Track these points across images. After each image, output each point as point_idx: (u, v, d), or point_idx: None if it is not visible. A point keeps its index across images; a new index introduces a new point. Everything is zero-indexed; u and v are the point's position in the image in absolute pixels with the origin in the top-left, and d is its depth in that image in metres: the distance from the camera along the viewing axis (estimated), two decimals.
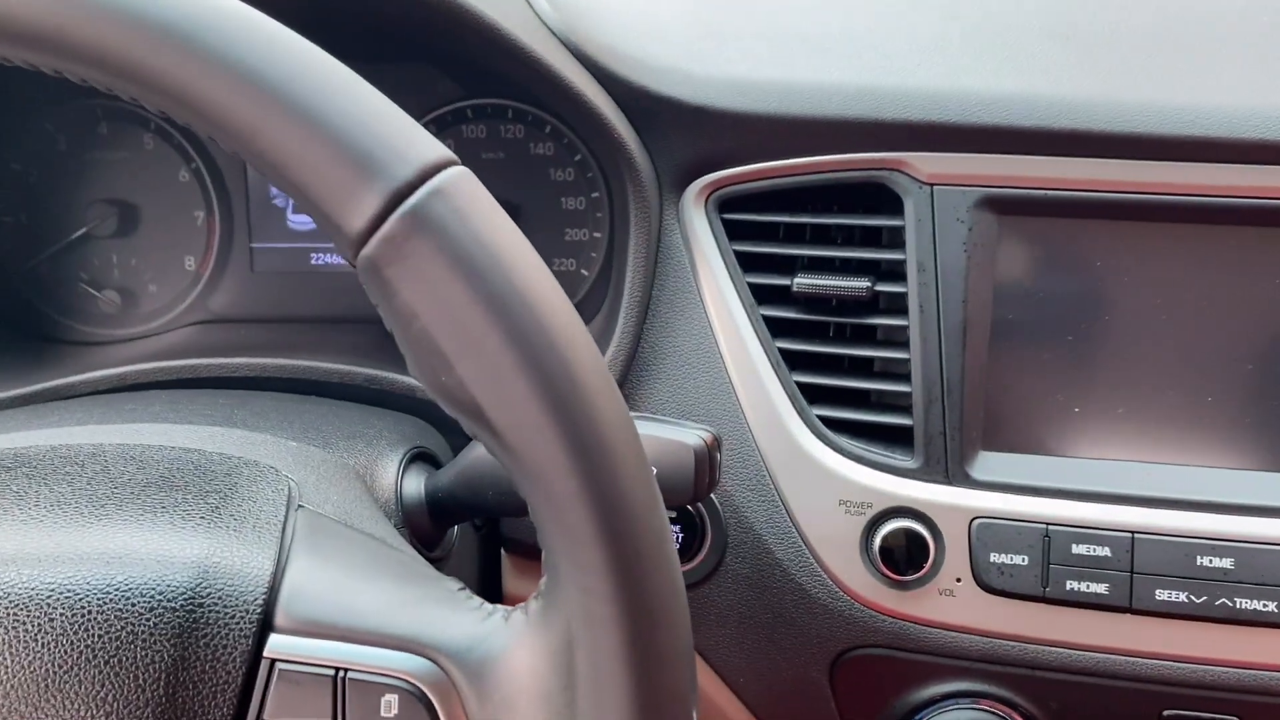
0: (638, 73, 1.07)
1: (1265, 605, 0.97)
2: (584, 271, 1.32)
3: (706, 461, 0.80)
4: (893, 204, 1.07)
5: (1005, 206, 1.04)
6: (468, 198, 0.60)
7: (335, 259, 1.38)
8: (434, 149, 0.60)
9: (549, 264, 1.35)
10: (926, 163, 1.04)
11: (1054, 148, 1.02)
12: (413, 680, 0.65)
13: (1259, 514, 0.99)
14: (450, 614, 0.68)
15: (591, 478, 0.58)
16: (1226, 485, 1.01)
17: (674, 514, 1.09)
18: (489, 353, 0.58)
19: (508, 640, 0.65)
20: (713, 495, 1.08)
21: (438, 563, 0.97)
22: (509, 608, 0.68)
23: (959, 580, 1.03)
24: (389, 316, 0.61)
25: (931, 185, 1.04)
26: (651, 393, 1.11)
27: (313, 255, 1.39)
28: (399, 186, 0.58)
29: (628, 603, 0.60)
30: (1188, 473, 1.02)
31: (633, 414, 0.89)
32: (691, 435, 0.80)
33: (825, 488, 1.06)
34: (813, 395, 1.09)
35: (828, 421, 1.08)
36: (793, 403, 1.08)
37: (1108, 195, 1.02)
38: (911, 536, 1.02)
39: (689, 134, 1.08)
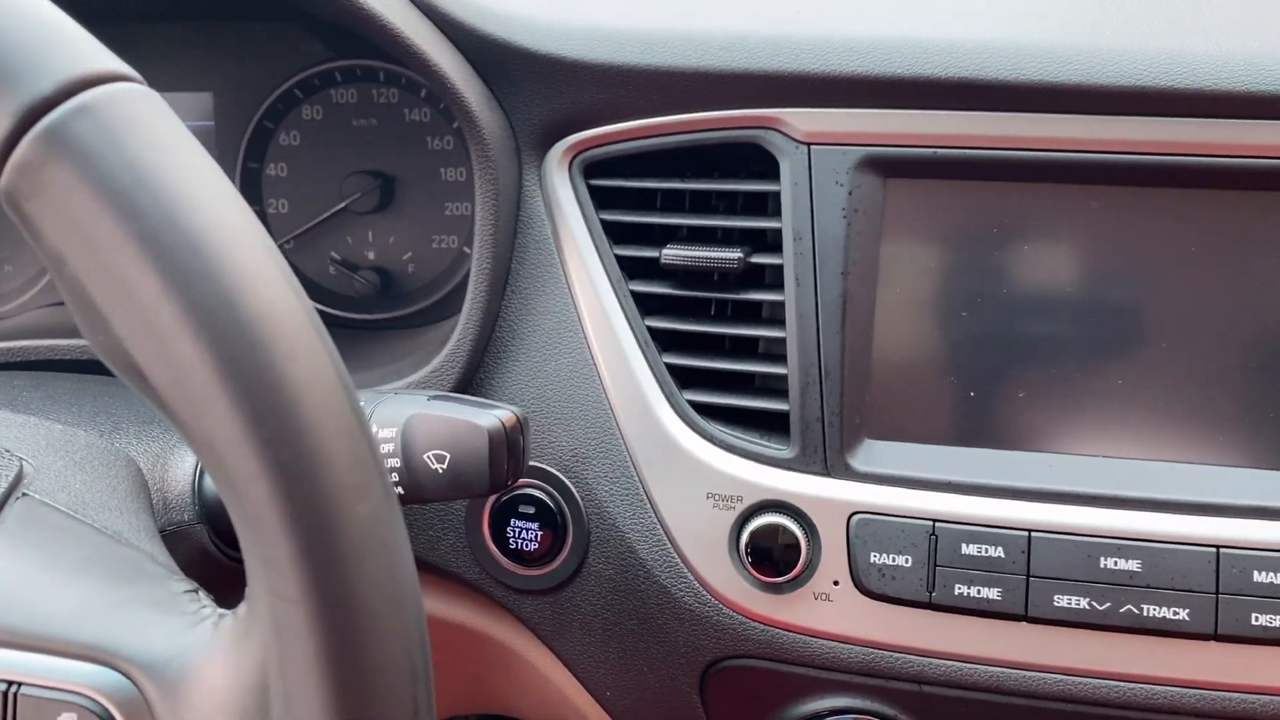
0: (485, 20, 0.97)
1: (1175, 613, 0.86)
2: (466, 249, 1.22)
3: (503, 445, 0.70)
4: (770, 166, 0.96)
5: (890, 168, 0.93)
6: (127, 117, 0.49)
7: None
8: (88, 59, 0.50)
9: (428, 241, 1.26)
10: (803, 120, 0.94)
11: (943, 101, 0.91)
12: (96, 696, 0.55)
13: (1168, 509, 0.88)
14: (156, 619, 0.58)
15: (273, 454, 0.48)
16: (1134, 478, 0.90)
17: (532, 509, 0.99)
18: (145, 304, 0.48)
19: (212, 650, 0.55)
20: (575, 490, 0.98)
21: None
22: (228, 611, 0.58)
23: (836, 583, 0.92)
24: (45, 262, 0.51)
25: (809, 145, 0.94)
26: (509, 378, 1.01)
27: None
28: (33, 102, 0.48)
29: (323, 609, 0.49)
30: (1092, 464, 0.91)
31: (433, 393, 0.79)
32: (487, 416, 0.70)
33: (693, 480, 0.95)
34: (686, 379, 0.99)
35: (701, 408, 0.98)
36: (662, 387, 0.97)
37: (1005, 153, 0.91)
38: (782, 533, 0.91)
39: (545, 89, 0.98)
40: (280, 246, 1.25)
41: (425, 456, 0.70)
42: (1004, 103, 0.90)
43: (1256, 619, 0.85)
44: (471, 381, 1.01)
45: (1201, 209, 0.89)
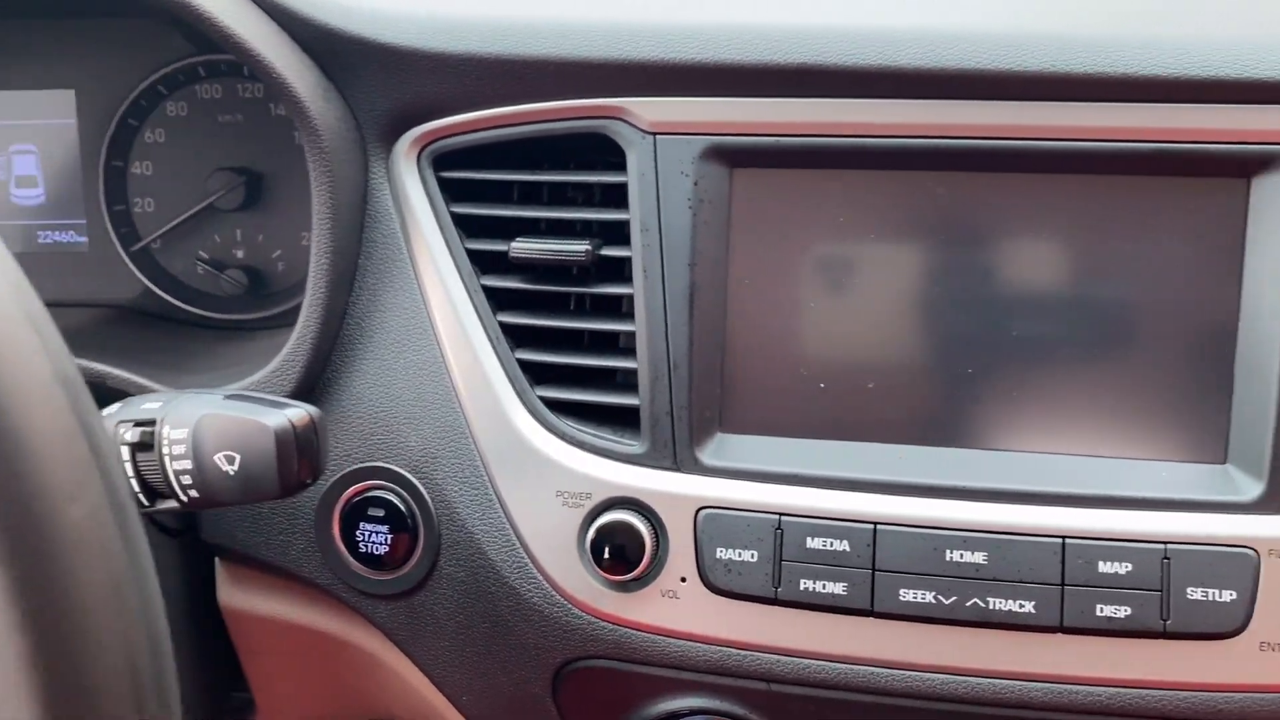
0: (320, 10, 0.94)
1: (1021, 606, 0.85)
2: None
3: (291, 446, 0.67)
4: (618, 157, 0.94)
5: (735, 157, 0.91)
6: None
7: (66, 236, 1.26)
8: None
9: (298, 239, 1.23)
10: (648, 109, 0.92)
11: (786, 88, 0.90)
12: None
13: (1014, 500, 0.87)
14: None
15: None
16: (980, 469, 0.88)
17: (381, 512, 0.97)
18: None
19: None
20: (425, 492, 0.96)
21: None
22: None
23: (684, 580, 0.90)
24: None
25: (654, 135, 0.92)
26: (356, 377, 0.98)
27: (40, 233, 1.26)
28: None
29: (28, 613, 0.47)
30: (939, 455, 0.89)
31: (230, 392, 0.77)
32: (276, 416, 0.68)
33: (543, 478, 0.93)
34: (540, 375, 0.97)
35: (554, 404, 0.95)
36: (513, 384, 0.95)
37: (850, 141, 0.90)
38: (627, 530, 0.89)
39: (386, 79, 0.95)
40: (147, 246, 1.22)
41: (216, 458, 0.68)
42: (846, 89, 0.89)
43: (1101, 610, 0.84)
44: (318, 382, 0.98)
45: (1048, 193, 0.88)
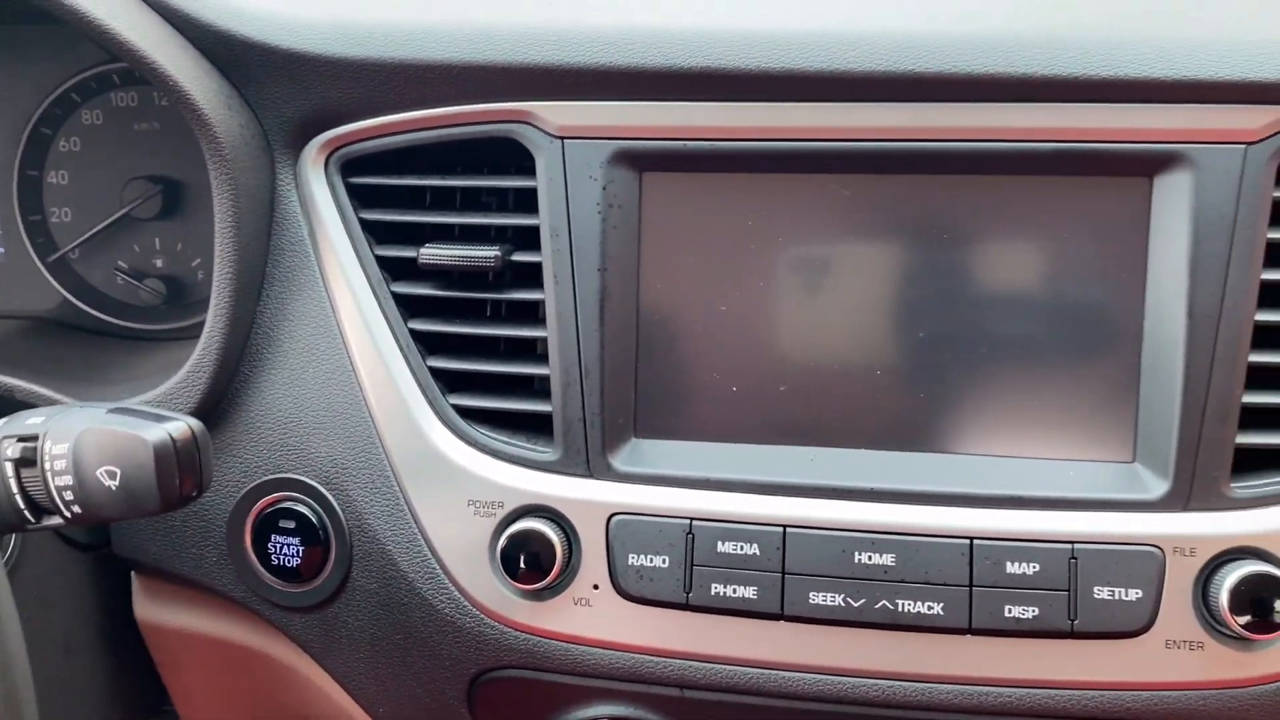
0: (222, 16, 0.93)
1: (930, 607, 0.85)
2: None
3: (171, 460, 0.66)
4: (531, 161, 0.93)
5: (644, 161, 0.91)
6: None
7: None
8: None
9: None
10: (555, 113, 0.91)
11: (693, 91, 0.89)
12: None
13: (922, 501, 0.86)
14: None
15: None
16: (890, 470, 0.88)
17: (293, 524, 0.95)
18: None
19: None
20: (336, 503, 0.94)
21: None
22: None
23: (596, 587, 0.89)
24: None
25: (562, 139, 0.91)
26: (265, 387, 0.97)
27: None
28: None
29: None
30: (850, 457, 0.89)
31: (114, 406, 0.75)
32: (155, 430, 0.66)
33: (454, 487, 0.92)
34: (454, 382, 0.96)
35: (468, 412, 0.94)
36: (424, 392, 0.94)
37: (758, 144, 0.89)
38: (538, 539, 0.88)
39: (291, 86, 0.94)
40: (64, 256, 1.20)
41: (98, 473, 0.66)
42: (751, 92, 0.88)
43: (1009, 611, 0.84)
44: (226, 393, 0.97)
45: (955, 194, 0.88)
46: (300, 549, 0.95)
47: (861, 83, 0.86)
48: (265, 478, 0.96)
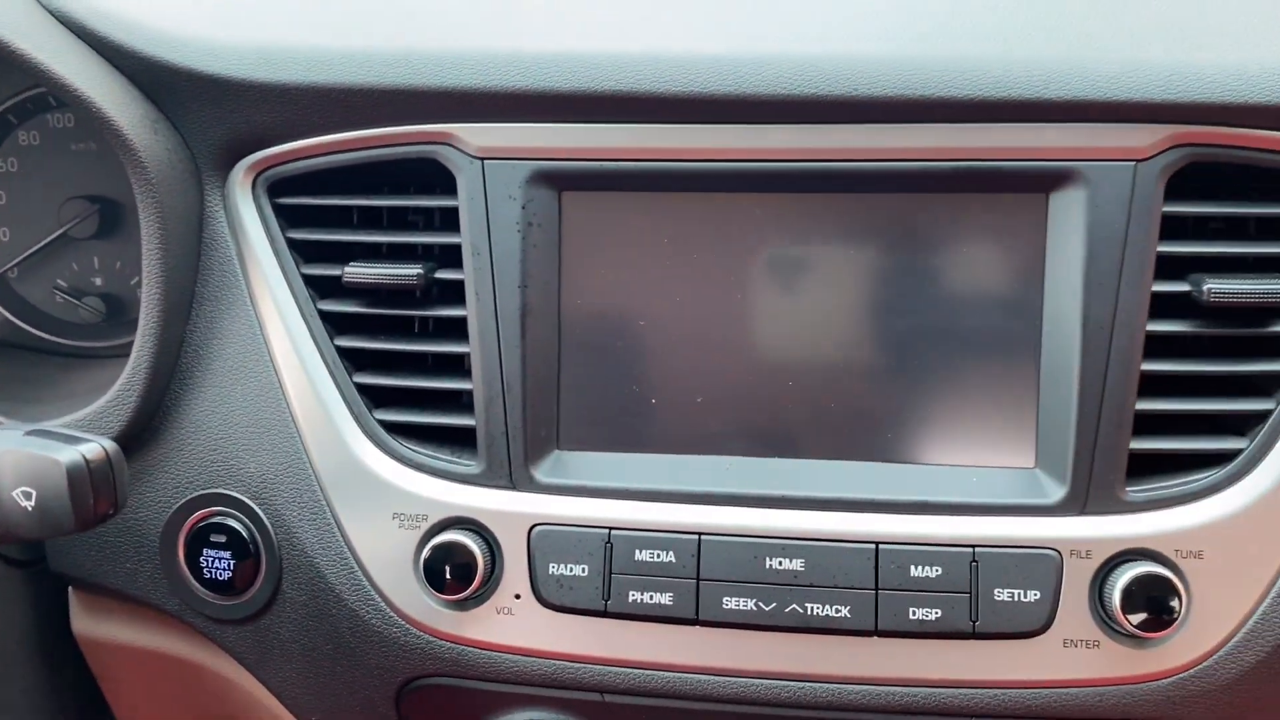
0: (148, 43, 0.95)
1: (837, 610, 0.88)
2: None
3: (85, 481, 0.68)
4: (452, 181, 0.96)
5: (563, 181, 0.94)
6: None
7: None
8: None
9: None
10: (475, 135, 0.94)
11: (610, 114, 0.92)
12: None
13: (831, 508, 0.89)
14: None
15: None
16: (799, 478, 0.91)
17: (224, 538, 0.97)
18: None
19: None
20: (265, 517, 0.96)
21: None
22: None
23: (518, 596, 0.92)
24: None
25: (482, 160, 0.94)
26: (195, 406, 0.99)
27: None
28: None
29: None
30: (763, 465, 0.92)
31: (33, 427, 0.77)
32: (69, 451, 0.68)
33: (379, 501, 0.94)
34: (380, 398, 0.98)
35: (394, 427, 0.97)
36: (350, 409, 0.96)
37: (673, 165, 0.92)
38: (460, 550, 0.91)
39: (216, 109, 0.96)
40: (3, 275, 1.22)
41: (14, 494, 0.68)
42: (668, 114, 0.91)
43: (914, 613, 0.87)
44: (156, 411, 0.98)
45: (860, 211, 0.91)
46: (232, 562, 0.97)
47: (769, 106, 0.89)
48: (197, 493, 0.98)
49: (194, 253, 0.99)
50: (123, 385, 0.95)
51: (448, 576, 0.91)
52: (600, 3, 0.97)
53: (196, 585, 0.98)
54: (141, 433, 0.98)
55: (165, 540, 0.98)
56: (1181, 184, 0.88)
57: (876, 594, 0.87)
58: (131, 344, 1.19)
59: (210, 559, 0.97)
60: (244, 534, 0.97)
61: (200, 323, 0.99)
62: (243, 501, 0.97)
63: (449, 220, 0.98)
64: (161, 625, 1.04)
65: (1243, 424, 0.89)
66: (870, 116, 0.89)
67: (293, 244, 0.99)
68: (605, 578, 0.90)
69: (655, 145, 0.92)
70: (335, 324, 0.98)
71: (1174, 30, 0.90)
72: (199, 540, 0.97)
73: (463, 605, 0.92)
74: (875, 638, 0.88)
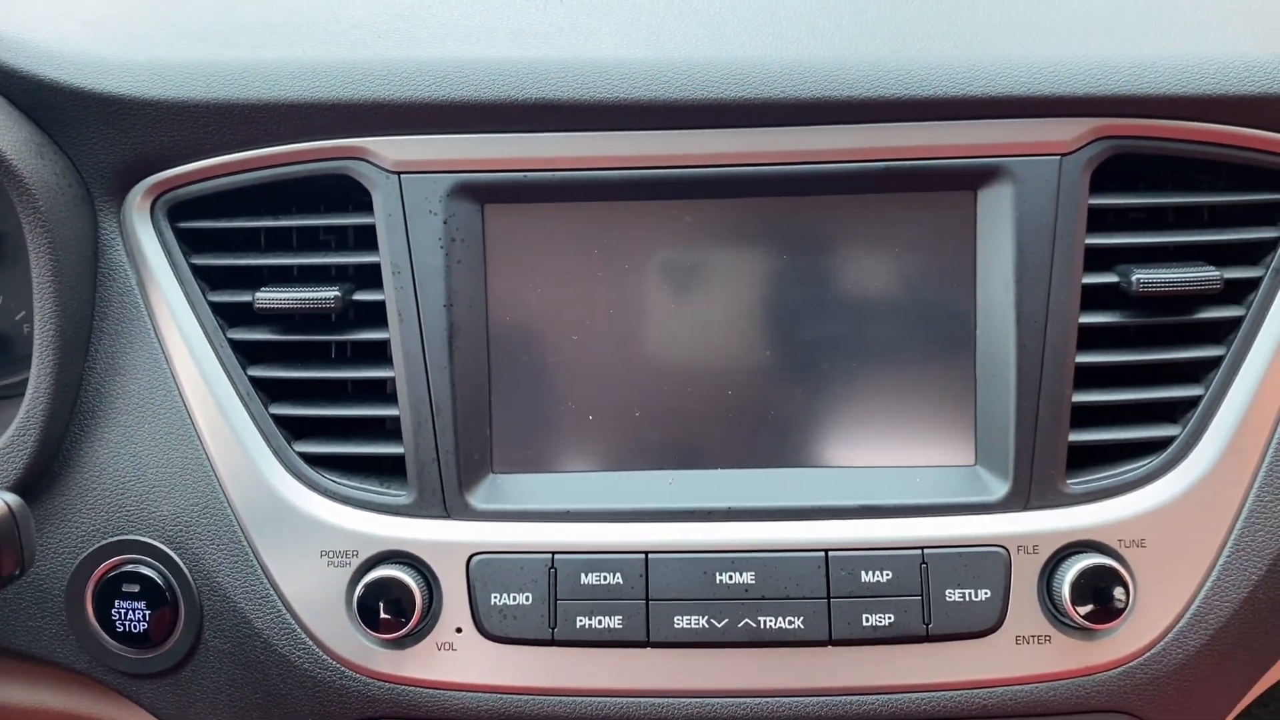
0: (32, 61, 0.88)
1: (790, 622, 0.86)
2: None
3: None
4: (367, 199, 0.91)
5: (486, 193, 0.90)
6: None
7: None
8: None
9: None
10: (390, 148, 0.89)
11: (531, 122, 0.88)
12: None
13: (778, 517, 0.88)
14: None
15: None
16: (745, 489, 0.89)
17: (137, 587, 0.91)
18: None
19: None
20: (182, 563, 0.90)
21: None
22: None
23: (460, 630, 0.88)
24: None
25: (399, 174, 0.89)
26: (99, 448, 0.92)
27: None
28: None
29: None
30: (705, 478, 0.90)
31: None
32: None
33: (305, 538, 0.89)
34: (299, 429, 0.93)
35: (314, 459, 0.92)
36: (268, 442, 0.91)
37: (597, 174, 0.89)
38: (395, 586, 0.86)
39: (109, 130, 0.90)
40: None
41: None
42: (592, 122, 0.88)
43: (867, 619, 0.86)
44: (55, 455, 0.91)
45: (792, 216, 0.90)
46: (147, 613, 0.91)
47: (695, 110, 0.87)
48: (104, 541, 0.91)
49: (89, 284, 0.92)
50: (17, 429, 0.88)
51: (383, 614, 0.86)
52: (517, 10, 0.94)
53: (108, 639, 0.91)
54: (40, 479, 0.91)
55: (71, 593, 0.91)
56: (1103, 177, 0.89)
57: (829, 602, 0.86)
58: (21, 384, 1.11)
59: (123, 610, 0.91)
60: (159, 581, 0.90)
61: (100, 358, 0.93)
62: (156, 547, 0.90)
63: (364, 239, 0.93)
64: (69, 684, 0.97)
65: (1175, 411, 0.90)
66: (798, 119, 0.87)
67: (197, 270, 0.93)
68: (551, 605, 0.87)
69: (580, 154, 0.89)
70: (247, 353, 0.93)
71: (1093, 26, 0.91)
72: (109, 591, 0.91)
73: (401, 643, 0.88)
74: (830, 647, 0.86)
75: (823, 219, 0.90)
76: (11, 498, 0.65)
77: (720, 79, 0.87)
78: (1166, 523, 0.87)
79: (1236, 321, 0.90)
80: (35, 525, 0.90)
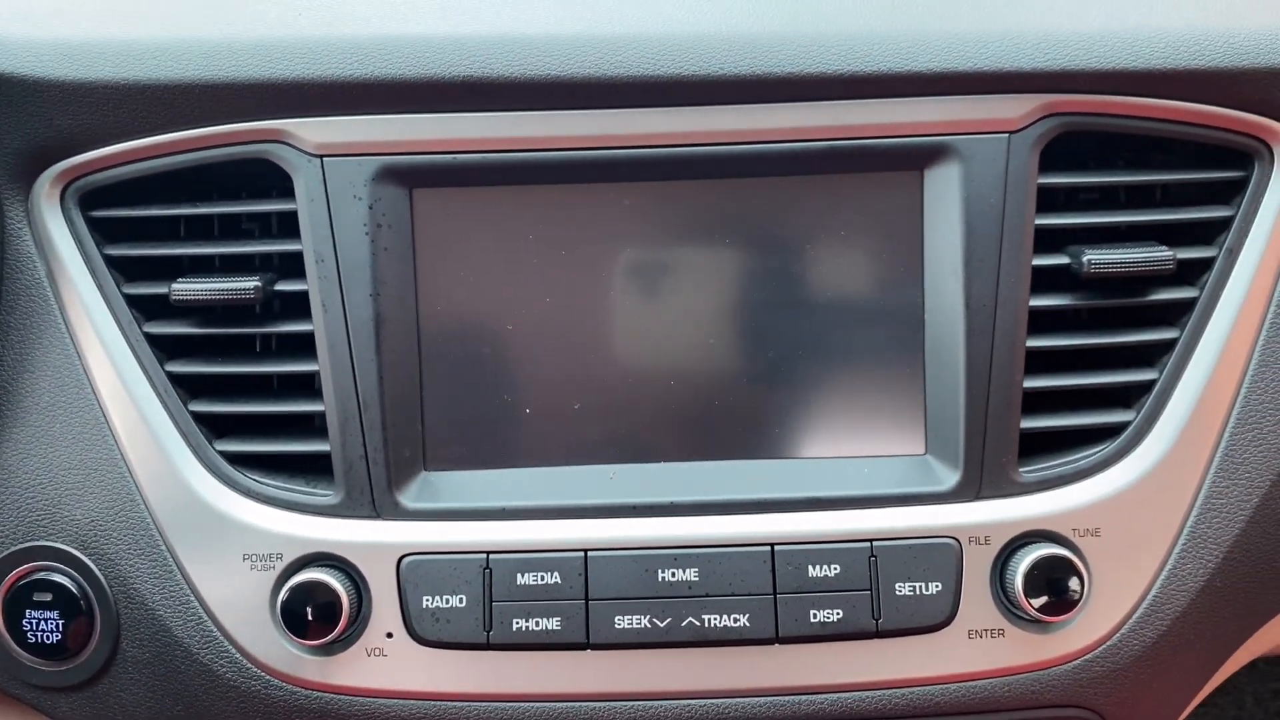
0: None
1: (735, 619, 0.83)
2: None
3: None
4: (287, 184, 0.87)
5: (413, 177, 0.86)
6: None
7: None
8: None
9: None
10: (312, 130, 0.85)
11: (460, 101, 0.85)
12: None
13: (723, 511, 0.84)
14: None
15: None
16: (687, 482, 0.86)
17: (49, 596, 0.86)
18: None
19: None
20: (97, 569, 0.86)
21: None
22: None
23: (390, 635, 0.84)
24: None
25: (321, 157, 0.85)
26: (6, 450, 0.87)
27: None
28: None
29: None
30: (647, 472, 0.86)
31: None
32: None
33: (226, 541, 0.85)
34: (220, 427, 0.88)
35: (236, 458, 0.87)
36: (187, 440, 0.87)
37: (530, 155, 0.85)
38: (321, 589, 0.82)
39: (12, 114, 0.85)
40: None
41: None
42: (523, 101, 0.84)
43: (815, 615, 0.83)
44: None
45: (732, 198, 0.86)
46: (60, 623, 0.86)
47: (629, 88, 0.83)
48: (13, 548, 0.86)
49: None
50: None
51: (310, 619, 0.82)
52: None
53: (20, 651, 0.87)
54: None
55: None
56: (1052, 156, 0.87)
57: (775, 598, 0.83)
58: None
59: (34, 620, 0.86)
60: (73, 589, 0.86)
61: (7, 355, 0.88)
62: (69, 553, 0.86)
63: (287, 226, 0.89)
64: None
65: (1129, 396, 0.88)
66: (737, 97, 0.84)
67: (111, 261, 0.88)
68: (485, 607, 0.83)
69: (511, 134, 0.85)
70: (164, 348, 0.88)
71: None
72: (20, 600, 0.86)
73: (329, 649, 0.84)
74: (776, 645, 0.83)
75: (765, 202, 0.86)
76: None
77: (656, 55, 0.84)
78: (1121, 510, 0.85)
79: (1190, 304, 0.87)
80: None
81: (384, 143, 0.85)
